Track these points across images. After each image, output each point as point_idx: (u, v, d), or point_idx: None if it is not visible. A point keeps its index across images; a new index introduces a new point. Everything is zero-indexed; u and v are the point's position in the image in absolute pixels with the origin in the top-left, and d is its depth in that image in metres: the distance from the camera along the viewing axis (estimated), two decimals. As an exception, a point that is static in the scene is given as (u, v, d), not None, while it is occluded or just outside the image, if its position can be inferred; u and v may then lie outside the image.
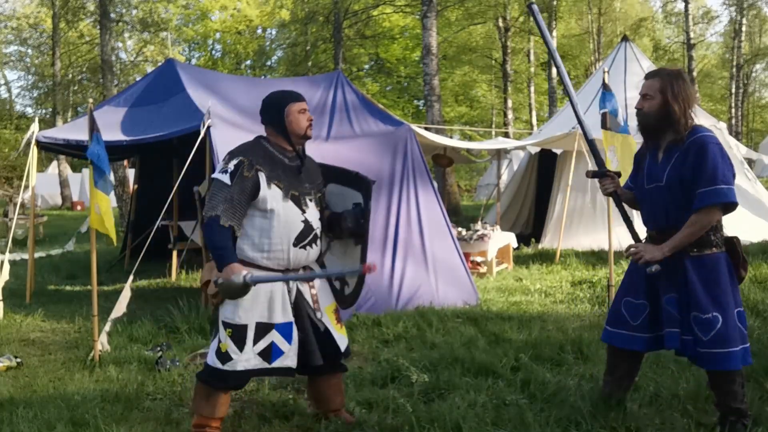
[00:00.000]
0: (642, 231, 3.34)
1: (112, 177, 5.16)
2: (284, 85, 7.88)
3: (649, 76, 3.21)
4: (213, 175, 3.18)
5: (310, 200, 3.23)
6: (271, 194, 3.08)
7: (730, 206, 3.05)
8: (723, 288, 3.06)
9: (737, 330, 3.05)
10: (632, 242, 3.30)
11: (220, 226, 2.99)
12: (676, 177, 3.09)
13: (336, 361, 3.38)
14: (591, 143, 3.47)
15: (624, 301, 3.34)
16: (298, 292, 3.21)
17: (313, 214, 3.23)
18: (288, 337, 3.12)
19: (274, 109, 3.21)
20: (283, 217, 3.10)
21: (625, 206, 3.47)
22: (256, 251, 3.12)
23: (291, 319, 3.14)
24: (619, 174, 3.47)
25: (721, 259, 3.09)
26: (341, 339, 3.34)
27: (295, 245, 3.13)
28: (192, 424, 3.31)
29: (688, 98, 3.09)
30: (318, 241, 3.27)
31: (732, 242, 3.14)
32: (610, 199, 3.51)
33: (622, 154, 5.80)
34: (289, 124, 3.16)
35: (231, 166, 3.06)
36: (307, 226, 3.17)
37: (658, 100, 3.11)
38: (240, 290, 2.94)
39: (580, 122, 3.46)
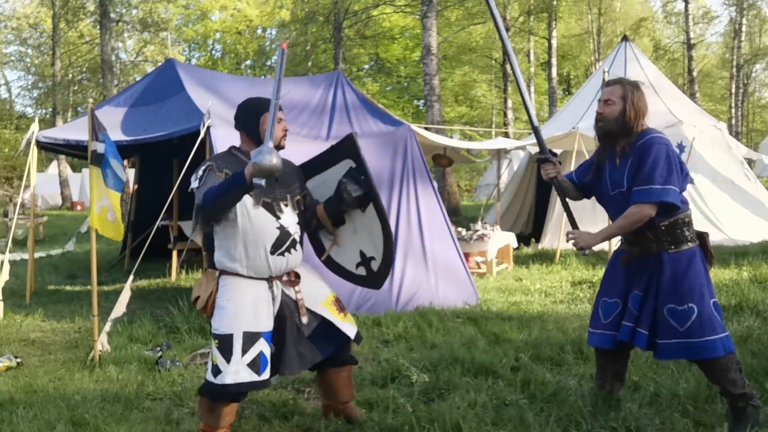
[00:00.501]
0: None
1: (122, 174, 5.16)
2: (284, 84, 7.86)
3: (610, 84, 3.34)
4: (190, 188, 3.13)
5: (286, 206, 3.16)
6: (240, 201, 3.01)
7: (666, 206, 3.13)
8: (699, 280, 3.16)
9: (714, 320, 3.12)
10: (571, 229, 3.41)
11: (210, 188, 2.95)
12: (632, 181, 3.20)
13: (345, 353, 3.37)
14: (535, 130, 3.57)
15: (601, 301, 3.46)
16: (285, 296, 3.18)
17: (289, 219, 3.16)
18: (270, 345, 3.11)
19: (250, 117, 3.16)
20: (255, 224, 3.04)
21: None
22: (234, 261, 3.09)
23: (272, 327, 3.12)
24: (556, 154, 3.59)
25: (696, 253, 3.21)
26: (348, 327, 3.30)
27: (272, 253, 3.08)
28: (199, 428, 3.30)
29: (643, 108, 3.25)
30: (298, 246, 3.21)
31: (702, 237, 3.27)
32: None
33: None
34: (263, 132, 3.09)
35: (200, 171, 3.06)
36: (283, 233, 3.12)
37: (620, 107, 3.24)
38: (266, 158, 2.73)
39: (525, 107, 3.62)
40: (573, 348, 4.67)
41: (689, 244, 3.20)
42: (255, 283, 3.11)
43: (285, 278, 3.20)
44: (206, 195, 2.94)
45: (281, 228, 3.11)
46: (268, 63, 37.09)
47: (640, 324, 3.20)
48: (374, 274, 3.39)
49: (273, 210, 3.10)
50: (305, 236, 3.43)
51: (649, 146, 3.15)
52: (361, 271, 3.41)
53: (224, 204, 2.94)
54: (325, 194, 3.35)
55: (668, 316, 3.13)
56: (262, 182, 2.78)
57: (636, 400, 3.60)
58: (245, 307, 3.06)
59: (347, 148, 3.31)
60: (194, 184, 3.06)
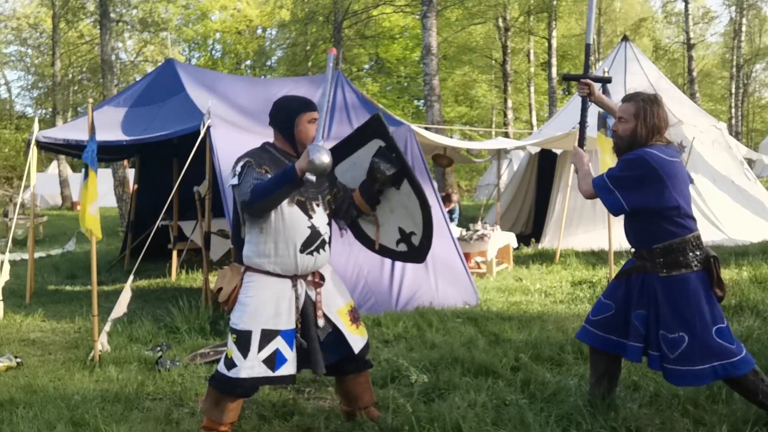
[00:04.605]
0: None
1: (95, 175, 5.07)
2: (285, 84, 7.88)
3: (625, 100, 3.29)
4: (228, 185, 3.16)
5: (317, 205, 3.19)
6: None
7: (593, 194, 3.26)
8: (692, 308, 3.08)
9: (712, 348, 3.05)
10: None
11: (257, 184, 2.95)
12: None
13: (358, 360, 3.36)
14: (587, 47, 3.73)
15: (598, 299, 3.50)
16: (307, 297, 3.20)
17: (320, 219, 3.19)
18: (291, 344, 3.12)
19: (285, 116, 3.18)
20: (288, 222, 3.06)
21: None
22: (262, 257, 3.10)
23: (293, 325, 3.14)
24: (609, 80, 3.78)
25: (691, 279, 3.11)
26: (356, 340, 3.31)
27: (301, 251, 3.10)
28: (201, 425, 3.32)
29: (658, 124, 3.17)
30: (326, 247, 3.24)
31: (709, 261, 3.14)
32: None
33: (603, 155, 6.08)
34: (298, 133, 3.14)
35: (238, 167, 3.06)
36: (314, 232, 3.14)
37: (632, 124, 3.19)
38: (322, 155, 2.82)
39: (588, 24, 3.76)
40: (573, 348, 4.67)
41: (683, 269, 3.11)
42: (279, 281, 3.12)
43: (310, 278, 3.21)
44: (255, 191, 2.93)
45: (312, 227, 3.13)
46: (268, 63, 37.08)
47: (651, 345, 3.18)
48: (416, 249, 3.40)
49: (306, 209, 3.12)
50: (340, 239, 3.45)
51: (632, 154, 3.15)
52: (402, 247, 3.43)
53: (275, 199, 2.96)
54: (356, 176, 3.36)
55: (661, 341, 3.13)
56: (313, 178, 2.83)
57: (636, 400, 3.60)
58: (266, 305, 3.08)
59: (374, 128, 3.33)
60: (233, 180, 3.06)
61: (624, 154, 3.23)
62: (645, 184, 3.08)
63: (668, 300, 3.11)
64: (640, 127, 3.15)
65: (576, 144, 3.57)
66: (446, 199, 11.11)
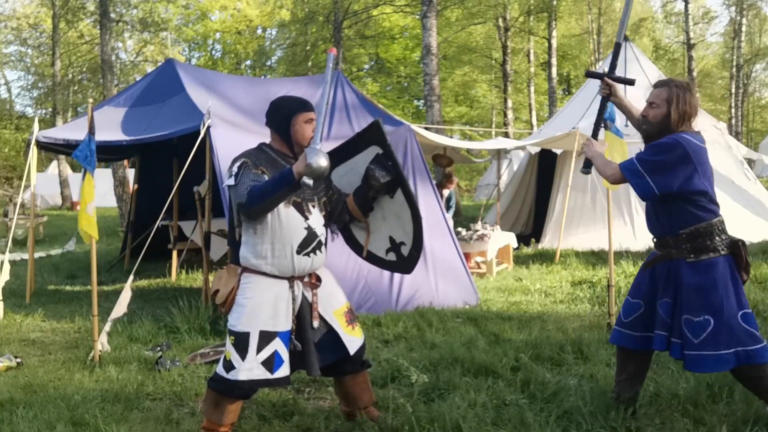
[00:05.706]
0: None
1: (92, 177, 5.04)
2: (284, 84, 7.88)
3: (657, 85, 3.26)
4: (224, 185, 3.15)
5: (314, 206, 3.18)
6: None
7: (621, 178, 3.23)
8: (719, 291, 3.07)
9: (737, 332, 3.05)
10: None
11: (254, 186, 2.94)
12: None
13: (355, 361, 3.36)
14: (617, 46, 3.60)
15: (625, 300, 3.45)
16: (304, 298, 3.19)
17: (316, 220, 3.18)
18: (287, 345, 3.12)
19: (281, 116, 3.18)
20: (285, 223, 3.06)
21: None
22: (259, 258, 3.09)
23: (290, 327, 3.14)
24: (632, 82, 3.59)
25: (718, 264, 3.11)
26: (352, 341, 3.31)
27: (298, 252, 3.10)
28: (201, 426, 3.32)
29: (690, 110, 3.17)
30: (323, 248, 3.23)
31: (737, 246, 3.15)
32: (610, 199, 3.55)
33: (611, 156, 6.02)
34: (294, 133, 3.14)
35: (235, 168, 3.06)
36: (311, 233, 3.14)
37: (663, 110, 3.17)
38: (320, 159, 2.80)
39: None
40: (573, 348, 4.68)
41: (711, 254, 3.10)
42: (277, 282, 3.12)
43: (306, 279, 3.21)
44: (252, 193, 2.93)
45: (309, 228, 3.13)
46: (269, 63, 37.08)
47: (674, 333, 3.15)
48: (405, 259, 3.39)
49: (302, 210, 3.12)
50: (341, 239, 3.47)
51: (666, 138, 3.11)
52: (392, 257, 3.42)
53: (272, 202, 2.95)
54: (352, 181, 3.36)
55: (684, 326, 3.09)
56: (311, 182, 2.82)
57: (636, 400, 3.60)
58: (264, 307, 3.08)
59: (373, 134, 3.34)
60: (230, 181, 3.05)
61: (653, 139, 3.20)
62: (676, 169, 3.07)
63: (695, 284, 3.09)
64: (673, 113, 3.13)
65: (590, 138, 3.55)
66: (446, 179, 10.65)
